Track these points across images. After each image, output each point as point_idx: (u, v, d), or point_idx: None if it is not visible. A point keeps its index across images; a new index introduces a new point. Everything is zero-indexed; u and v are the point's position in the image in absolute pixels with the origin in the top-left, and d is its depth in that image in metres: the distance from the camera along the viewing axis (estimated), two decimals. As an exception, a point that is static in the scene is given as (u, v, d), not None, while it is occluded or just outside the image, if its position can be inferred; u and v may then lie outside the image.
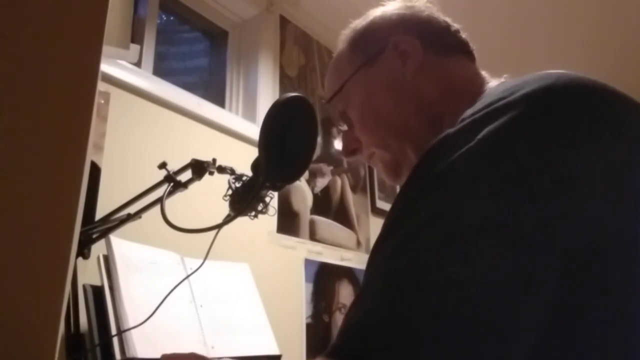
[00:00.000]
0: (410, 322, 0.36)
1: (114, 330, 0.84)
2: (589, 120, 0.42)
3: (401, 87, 0.67)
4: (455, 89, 0.65)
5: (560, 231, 0.38)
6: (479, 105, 0.45)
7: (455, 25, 0.71)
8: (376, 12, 0.73)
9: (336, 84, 0.73)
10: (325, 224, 1.85)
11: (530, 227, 0.38)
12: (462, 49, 0.70)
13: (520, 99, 0.42)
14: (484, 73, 0.68)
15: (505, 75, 0.62)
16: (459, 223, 0.39)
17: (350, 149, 0.74)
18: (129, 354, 0.81)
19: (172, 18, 1.77)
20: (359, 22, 0.74)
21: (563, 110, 0.42)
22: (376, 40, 0.70)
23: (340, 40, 0.75)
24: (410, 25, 0.69)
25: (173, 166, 0.84)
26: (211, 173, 0.85)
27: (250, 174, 0.75)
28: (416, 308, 0.36)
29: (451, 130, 0.44)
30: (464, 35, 0.71)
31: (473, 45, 0.71)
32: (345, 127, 0.74)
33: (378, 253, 0.42)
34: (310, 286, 1.69)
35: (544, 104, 0.42)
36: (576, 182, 0.39)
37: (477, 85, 0.64)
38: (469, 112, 0.45)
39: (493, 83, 0.64)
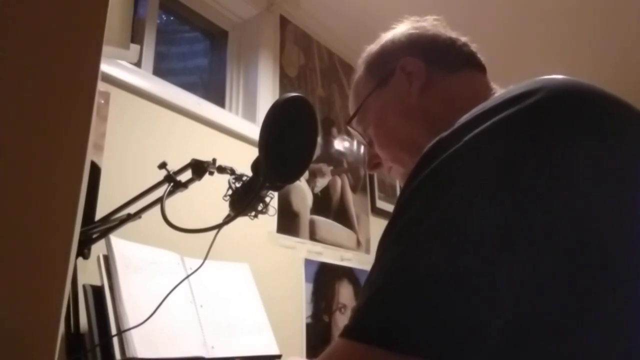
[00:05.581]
0: (400, 312, 0.37)
1: (114, 330, 0.84)
2: (577, 118, 0.42)
3: (408, 106, 0.71)
4: (459, 104, 0.66)
5: (552, 228, 0.39)
6: (473, 110, 0.46)
7: (462, 39, 0.75)
8: (387, 36, 0.78)
9: (355, 105, 0.79)
10: (325, 224, 1.85)
11: (516, 226, 0.38)
12: (469, 63, 0.73)
13: (509, 100, 0.43)
14: (493, 85, 0.70)
15: (511, 86, 0.62)
16: (440, 225, 0.40)
17: (373, 163, 0.81)
18: (129, 354, 0.81)
19: (172, 18, 1.77)
20: (373, 47, 0.79)
21: (549, 108, 0.42)
22: (386, 63, 0.75)
23: (358, 65, 0.81)
24: (417, 46, 0.73)
25: (173, 166, 0.84)
26: (211, 173, 0.85)
27: (250, 174, 0.75)
28: (402, 306, 0.38)
29: (444, 134, 0.46)
30: (472, 47, 0.75)
31: (482, 57, 0.74)
32: (367, 144, 0.81)
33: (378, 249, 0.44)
34: (310, 286, 1.70)
35: (530, 103, 0.42)
36: (563, 180, 0.39)
37: (483, 98, 0.65)
38: (463, 117, 0.46)
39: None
